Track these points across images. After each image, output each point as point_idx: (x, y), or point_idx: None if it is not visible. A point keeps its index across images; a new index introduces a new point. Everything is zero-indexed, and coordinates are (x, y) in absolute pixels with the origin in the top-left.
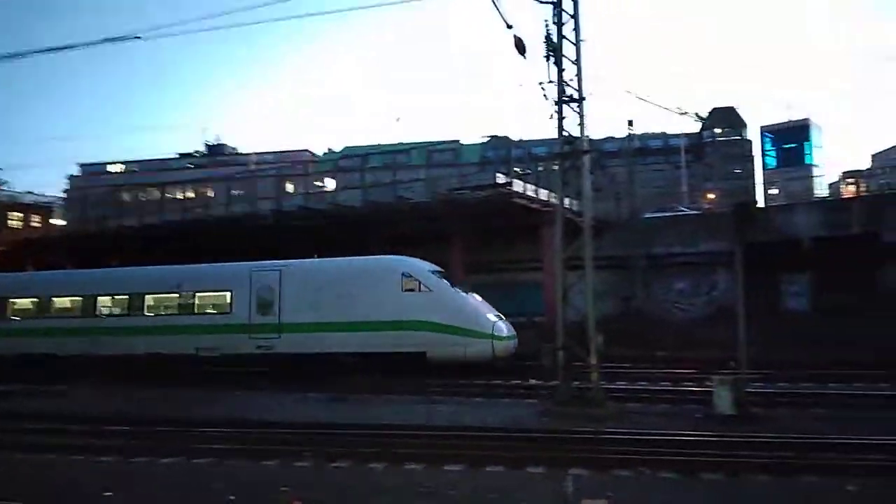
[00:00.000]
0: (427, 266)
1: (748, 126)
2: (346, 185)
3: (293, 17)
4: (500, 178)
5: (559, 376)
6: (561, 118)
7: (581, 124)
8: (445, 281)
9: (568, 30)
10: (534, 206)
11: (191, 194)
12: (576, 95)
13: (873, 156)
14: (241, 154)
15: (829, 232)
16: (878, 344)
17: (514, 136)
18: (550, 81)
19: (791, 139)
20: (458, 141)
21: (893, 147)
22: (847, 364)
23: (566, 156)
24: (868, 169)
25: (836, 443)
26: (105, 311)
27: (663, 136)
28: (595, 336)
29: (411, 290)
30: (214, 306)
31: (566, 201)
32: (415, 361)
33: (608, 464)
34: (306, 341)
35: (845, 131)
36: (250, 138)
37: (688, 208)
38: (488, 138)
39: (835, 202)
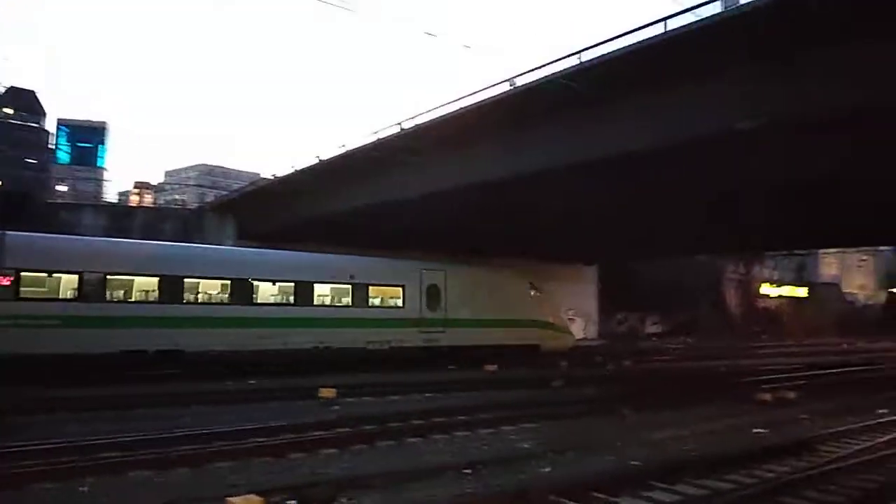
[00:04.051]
0: None
1: (48, 115)
2: None
3: None
4: None
5: None
6: None
7: None
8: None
9: None
10: None
11: None
12: None
13: (167, 172)
14: None
15: (116, 235)
16: None
17: None
18: None
19: (87, 139)
20: None
21: (185, 168)
22: None
23: None
24: (160, 183)
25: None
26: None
27: None
28: None
29: (534, 294)
30: (385, 300)
31: None
32: (530, 351)
33: None
34: (464, 335)
35: (145, 143)
36: None
37: None
38: None
39: (123, 208)
